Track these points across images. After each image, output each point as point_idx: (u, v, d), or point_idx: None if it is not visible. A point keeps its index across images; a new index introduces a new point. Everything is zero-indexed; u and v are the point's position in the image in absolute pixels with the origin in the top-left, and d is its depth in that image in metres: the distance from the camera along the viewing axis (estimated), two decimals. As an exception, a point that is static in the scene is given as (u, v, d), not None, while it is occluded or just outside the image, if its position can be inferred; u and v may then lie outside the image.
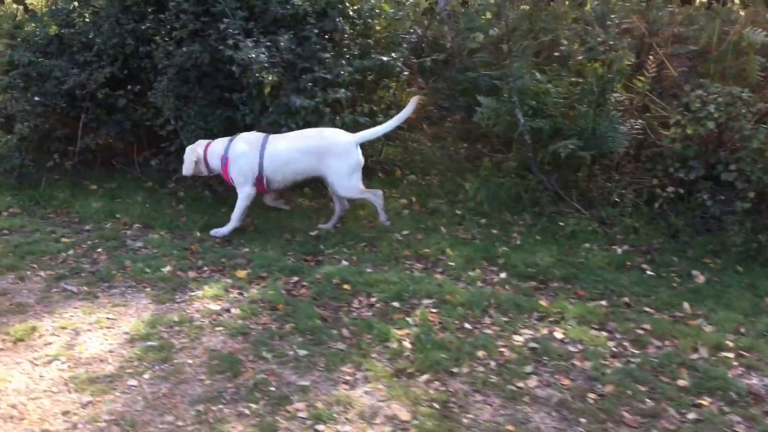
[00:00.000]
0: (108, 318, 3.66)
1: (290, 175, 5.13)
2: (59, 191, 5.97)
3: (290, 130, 5.51)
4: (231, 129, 5.82)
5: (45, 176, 6.02)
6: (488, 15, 7.54)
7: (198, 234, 5.21)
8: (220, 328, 3.61)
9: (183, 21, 5.68)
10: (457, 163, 6.84)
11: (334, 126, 5.38)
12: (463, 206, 5.76)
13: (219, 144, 5.20)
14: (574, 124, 5.63)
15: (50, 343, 3.38)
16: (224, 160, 5.12)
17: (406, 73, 6.61)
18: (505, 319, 3.84)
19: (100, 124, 6.06)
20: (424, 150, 7.10)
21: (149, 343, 3.39)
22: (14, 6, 9.13)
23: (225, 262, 4.60)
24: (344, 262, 4.65)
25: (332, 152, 4.98)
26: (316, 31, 5.67)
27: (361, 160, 5.09)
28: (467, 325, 3.75)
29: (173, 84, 5.69)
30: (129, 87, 6.02)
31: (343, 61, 5.83)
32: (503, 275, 4.50)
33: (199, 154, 5.20)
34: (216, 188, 5.79)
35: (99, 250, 4.76)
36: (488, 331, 3.69)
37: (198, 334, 3.54)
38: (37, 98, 5.88)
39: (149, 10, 6.06)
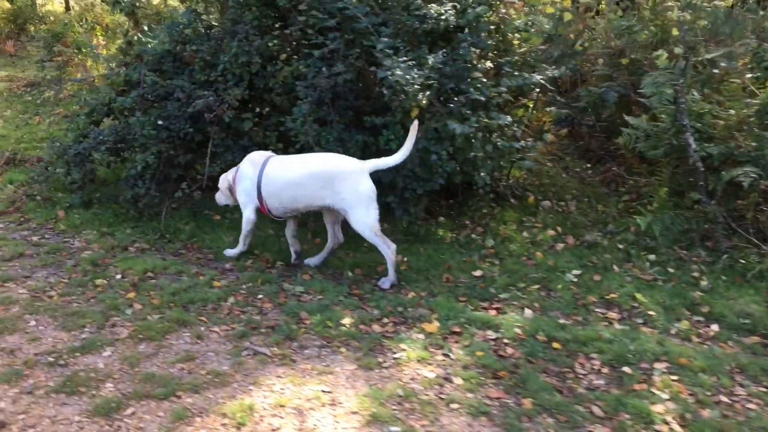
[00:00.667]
0: (323, 392, 3.22)
1: (289, 201, 4.63)
2: (182, 222, 5.56)
3: (439, 157, 5.10)
4: (370, 156, 5.41)
5: (166, 206, 5.59)
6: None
7: (351, 274, 4.80)
8: (455, 405, 3.17)
9: (320, 39, 5.24)
10: (591, 187, 6.38)
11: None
12: (621, 238, 5.31)
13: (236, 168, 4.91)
14: (749, 149, 5.17)
15: (278, 429, 2.94)
16: (233, 177, 4.82)
17: (537, 91, 6.16)
18: (762, 389, 3.39)
19: (226, 150, 5.62)
20: (550, 172, 6.65)
21: (393, 429, 2.95)
22: (125, 20, 8.71)
23: (403, 311, 4.18)
24: (528, 311, 4.23)
25: (343, 179, 4.48)
26: (467, 46, 5.21)
27: (374, 191, 4.55)
28: (723, 398, 3.31)
29: (312, 107, 5.25)
30: (257, 109, 5.60)
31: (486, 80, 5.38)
32: (716, 328, 4.06)
33: (230, 181, 4.86)
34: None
35: (260, 296, 4.34)
36: (752, 406, 3.25)
37: (434, 413, 3.10)
38: (160, 122, 5.44)
39: (276, 26, 5.63)
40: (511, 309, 4.28)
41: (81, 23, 10.79)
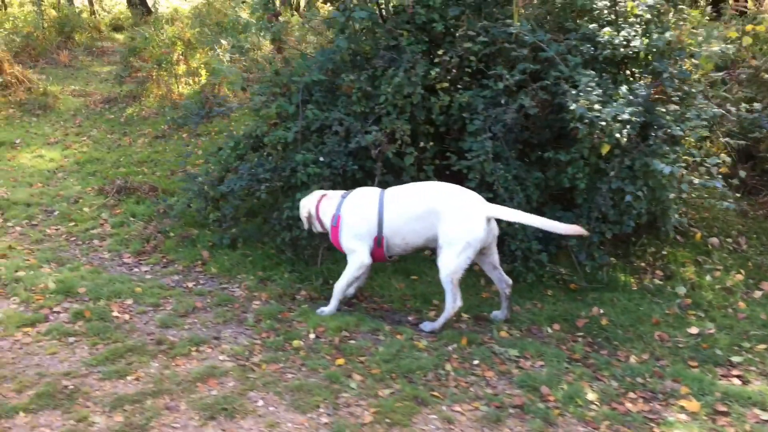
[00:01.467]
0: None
1: (411, 237, 4.29)
2: (342, 265, 5.13)
3: (634, 198, 4.69)
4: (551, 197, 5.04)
5: (322, 248, 5.18)
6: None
7: (549, 330, 4.40)
8: None
9: (479, 67, 4.87)
10: (755, 221, 5.96)
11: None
12: (825, 287, 4.87)
13: (331, 200, 4.46)
14: None
15: None
16: (335, 219, 4.34)
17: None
18: None
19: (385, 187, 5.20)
20: (703, 203, 6.20)
21: None
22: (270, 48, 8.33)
23: (645, 383, 3.75)
24: (778, 382, 3.79)
25: (456, 213, 4.12)
26: (669, 77, 4.79)
27: (484, 239, 4.14)
28: None
29: (488, 143, 4.85)
30: (421, 143, 5.20)
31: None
32: None
33: (311, 210, 4.48)
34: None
35: (475, 362, 3.92)
36: None
37: None
38: (321, 158, 5.05)
39: (431, 53, 5.24)
40: (753, 376, 3.85)
41: (159, 34, 10.39)
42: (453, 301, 4.19)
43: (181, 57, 10.38)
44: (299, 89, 5.31)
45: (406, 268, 5.14)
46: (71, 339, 3.88)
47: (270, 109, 5.29)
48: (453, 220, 4.10)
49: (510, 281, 4.46)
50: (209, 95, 9.43)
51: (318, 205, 4.51)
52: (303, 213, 4.56)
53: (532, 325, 4.49)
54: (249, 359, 3.79)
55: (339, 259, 5.20)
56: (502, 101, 4.95)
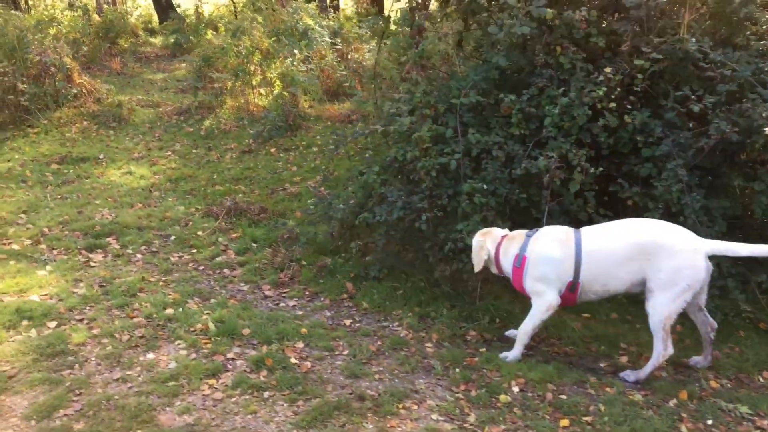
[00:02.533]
0: None
1: (614, 283, 3.86)
2: (504, 300, 4.78)
3: None
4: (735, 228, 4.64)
5: (480, 280, 4.81)
6: None
7: (761, 379, 4.00)
8: None
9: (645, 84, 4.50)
10: None
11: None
12: None
13: (514, 240, 4.08)
14: None
15: None
16: (519, 260, 3.94)
17: None
18: None
19: (549, 216, 4.82)
20: None
21: None
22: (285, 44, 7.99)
23: None
24: None
25: (672, 255, 3.68)
26: None
27: (704, 280, 3.75)
28: None
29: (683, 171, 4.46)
30: (591, 169, 4.81)
31: None
32: None
33: (490, 251, 4.08)
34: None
35: (709, 422, 3.53)
36: None
37: None
38: (485, 186, 4.67)
39: (605, 71, 4.84)
40: None
41: (235, 44, 10.06)
42: (663, 349, 3.81)
43: (257, 67, 10.03)
44: (456, 112, 4.93)
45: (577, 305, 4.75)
46: (265, 394, 3.53)
47: (422, 132, 4.91)
48: (670, 261, 3.71)
49: (715, 324, 4.08)
50: (290, 107, 9.13)
51: (499, 247, 4.14)
52: (481, 254, 4.17)
53: (740, 372, 4.10)
54: (464, 419, 3.43)
55: (501, 294, 4.86)
56: (690, 125, 4.56)
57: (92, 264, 5.39)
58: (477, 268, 4.23)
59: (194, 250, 5.79)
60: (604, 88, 4.73)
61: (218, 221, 6.44)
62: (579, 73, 4.76)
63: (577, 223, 4.90)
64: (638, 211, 4.86)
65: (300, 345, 4.12)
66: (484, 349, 4.26)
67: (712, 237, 4.27)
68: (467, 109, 5.07)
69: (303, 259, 5.52)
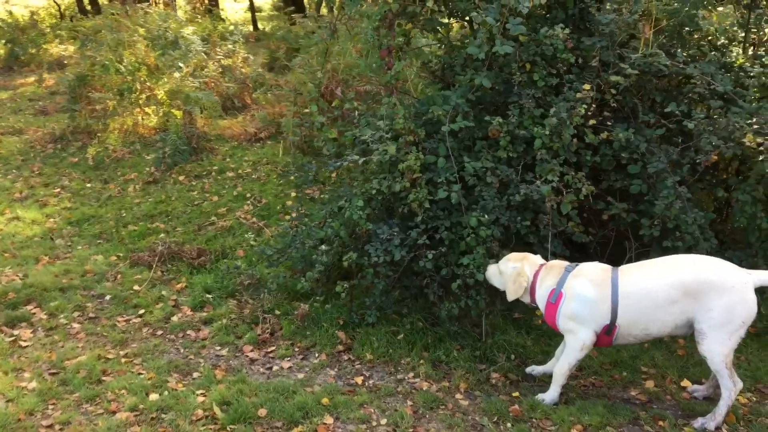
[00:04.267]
0: None
1: (656, 327, 3.64)
2: (514, 334, 4.57)
3: None
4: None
5: (485, 315, 4.56)
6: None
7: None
8: None
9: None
10: None
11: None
12: None
13: (553, 271, 3.88)
14: None
15: None
16: (555, 296, 3.78)
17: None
18: None
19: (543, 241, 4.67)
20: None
21: None
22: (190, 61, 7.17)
23: None
24: None
25: (720, 293, 3.48)
26: None
27: (755, 313, 3.56)
28: None
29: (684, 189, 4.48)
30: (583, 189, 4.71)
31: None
32: None
33: (530, 277, 3.92)
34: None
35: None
36: None
37: None
38: (485, 216, 4.41)
39: (584, 88, 4.77)
40: None
41: (116, 59, 8.98)
42: (733, 384, 3.59)
43: (144, 85, 9.02)
44: (446, 138, 4.61)
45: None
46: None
47: (410, 161, 4.52)
48: (721, 300, 3.49)
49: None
50: (189, 128, 8.34)
51: (536, 275, 3.89)
52: (520, 281, 3.88)
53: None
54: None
55: (505, 327, 4.64)
56: (680, 140, 4.59)
57: (23, 344, 4.44)
58: (513, 296, 3.94)
59: (141, 311, 4.98)
60: (585, 106, 4.63)
61: (152, 270, 5.62)
62: (568, 92, 4.62)
63: (572, 246, 4.81)
64: (620, 227, 4.87)
65: (330, 420, 3.60)
66: (516, 393, 3.99)
67: (706, 253, 4.31)
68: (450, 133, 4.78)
69: (276, 307, 4.94)
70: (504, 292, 4.11)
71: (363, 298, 4.73)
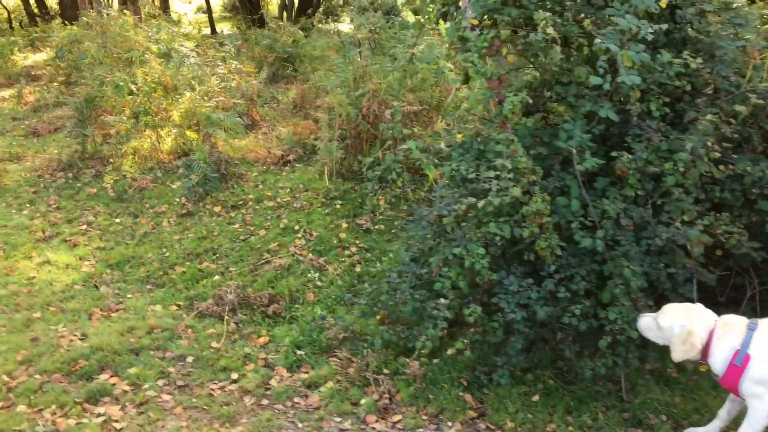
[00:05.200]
0: None
1: None
2: (651, 395, 4.22)
3: None
4: None
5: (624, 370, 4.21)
6: None
7: None
8: None
9: None
10: None
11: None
12: None
13: (731, 329, 3.53)
14: None
15: None
16: (741, 358, 3.43)
17: None
18: None
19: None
20: None
21: None
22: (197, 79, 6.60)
23: None
24: None
25: None
26: None
27: None
28: None
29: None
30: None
31: None
32: None
33: (703, 337, 3.56)
34: None
35: None
36: None
37: None
38: (628, 266, 4.07)
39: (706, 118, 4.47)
40: None
41: (129, 78, 8.33)
42: None
43: (161, 106, 8.39)
44: (578, 178, 4.24)
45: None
46: None
47: (537, 204, 4.14)
48: None
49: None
50: (216, 152, 7.80)
51: (712, 334, 3.55)
52: (692, 341, 3.53)
53: None
54: None
55: (649, 385, 4.28)
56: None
57: (116, 426, 3.87)
58: (682, 357, 3.56)
59: (233, 375, 4.45)
60: (712, 138, 4.35)
61: (225, 323, 5.09)
62: (707, 125, 4.30)
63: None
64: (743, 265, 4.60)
65: None
66: (686, 463, 3.65)
67: None
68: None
69: (383, 366, 4.49)
70: (655, 346, 3.78)
71: (481, 351, 4.33)
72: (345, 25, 23.53)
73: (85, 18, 14.81)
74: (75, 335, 4.85)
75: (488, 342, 4.29)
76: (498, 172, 4.28)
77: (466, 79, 5.28)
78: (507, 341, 4.14)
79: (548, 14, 4.44)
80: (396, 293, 4.57)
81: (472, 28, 4.79)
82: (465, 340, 4.26)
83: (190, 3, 32.86)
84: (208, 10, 23.55)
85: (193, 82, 9.04)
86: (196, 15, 29.12)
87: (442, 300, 4.29)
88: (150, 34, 11.90)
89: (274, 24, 15.95)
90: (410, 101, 7.68)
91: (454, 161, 4.78)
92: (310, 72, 12.83)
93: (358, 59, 8.14)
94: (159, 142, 8.37)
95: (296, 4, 21.65)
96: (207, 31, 20.06)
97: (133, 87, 8.23)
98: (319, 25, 19.76)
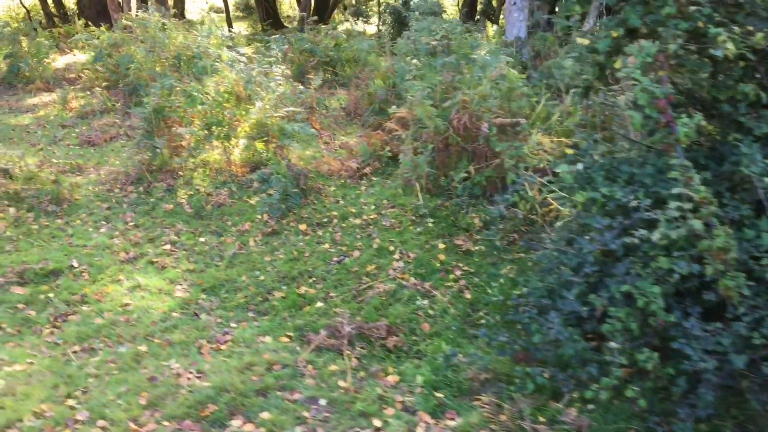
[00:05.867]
0: None
1: None
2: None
3: None
4: None
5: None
6: None
7: None
8: None
9: None
10: None
11: None
12: None
13: None
14: None
15: None
16: None
17: None
18: None
19: None
20: None
21: None
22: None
23: None
24: None
25: None
26: None
27: None
28: None
29: None
30: None
31: None
32: None
33: None
34: None
35: None
36: None
37: None
38: None
39: None
40: None
41: (204, 88, 7.97)
42: None
43: (234, 117, 8.03)
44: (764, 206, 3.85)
45: None
46: None
47: (721, 239, 3.74)
48: None
49: None
50: (294, 167, 7.45)
51: None
52: None
53: None
54: None
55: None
56: None
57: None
58: None
59: (375, 421, 4.08)
60: None
61: (347, 358, 4.72)
62: None
63: None
64: None
65: None
66: None
67: None
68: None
69: (537, 413, 4.10)
70: None
71: (652, 398, 3.93)
72: (372, 26, 23.19)
73: (124, 21, 14.51)
74: (191, 372, 4.49)
75: (665, 390, 3.89)
76: (678, 203, 3.88)
77: (586, 92, 4.92)
78: (692, 391, 3.74)
79: (721, 29, 4.06)
80: (549, 332, 4.18)
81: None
82: (635, 387, 3.87)
83: (195, 1, 32.43)
84: (226, 11, 23.22)
85: (261, 91, 8.67)
86: (209, 15, 28.86)
87: (612, 344, 3.90)
88: (199, 38, 11.59)
89: (309, 26, 15.53)
90: (500, 112, 7.30)
91: (601, 186, 4.39)
92: (352, 76, 12.51)
93: (439, 68, 7.77)
94: (230, 155, 8.00)
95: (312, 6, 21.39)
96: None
97: (204, 96, 7.86)
98: (347, 26, 19.37)
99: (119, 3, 17.72)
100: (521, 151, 5.79)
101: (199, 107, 7.83)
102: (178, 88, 7.99)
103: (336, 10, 25.46)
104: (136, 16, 14.16)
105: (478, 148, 7.18)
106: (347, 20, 22.42)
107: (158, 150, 7.76)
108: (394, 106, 8.76)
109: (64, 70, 15.70)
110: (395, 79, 10.10)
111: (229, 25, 21.75)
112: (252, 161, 8.19)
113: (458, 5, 30.90)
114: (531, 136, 6.97)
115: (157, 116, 7.96)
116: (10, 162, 7.67)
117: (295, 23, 26.12)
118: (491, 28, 17.28)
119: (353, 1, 30.82)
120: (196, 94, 7.68)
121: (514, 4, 13.27)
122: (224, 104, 7.88)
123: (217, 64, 8.50)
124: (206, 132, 7.83)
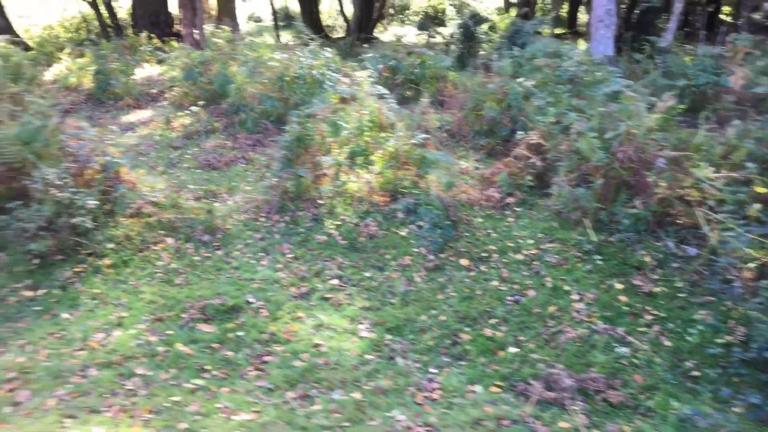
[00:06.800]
0: None
1: None
2: None
3: None
4: None
5: None
6: None
7: None
8: None
9: None
10: None
11: None
12: None
13: None
14: None
15: None
16: None
17: None
18: None
19: None
20: None
21: None
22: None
23: None
24: None
25: None
26: None
27: None
28: None
29: None
30: None
31: None
32: None
33: None
34: None
35: None
36: None
37: None
38: None
39: None
40: None
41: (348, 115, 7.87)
42: None
43: (371, 143, 7.92)
44: None
45: None
46: None
47: None
48: None
49: None
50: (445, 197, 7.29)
51: None
52: None
53: None
54: None
55: None
56: None
57: None
58: None
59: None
60: None
61: (572, 413, 4.53)
62: None
63: None
64: None
65: None
66: None
67: None
68: None
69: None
70: None
71: None
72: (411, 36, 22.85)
73: (215, 39, 14.61)
74: (420, 426, 4.34)
75: None
76: None
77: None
78: None
79: None
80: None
81: None
82: None
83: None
84: (275, 21, 23.21)
85: (394, 117, 8.56)
86: (248, 24, 28.94)
87: None
88: (303, 58, 11.58)
89: (376, 39, 15.38)
90: (664, 144, 7.08)
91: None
92: (435, 94, 12.42)
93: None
94: (371, 184, 7.89)
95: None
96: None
97: (347, 125, 7.78)
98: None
99: (193, 19, 17.85)
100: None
101: (341, 136, 7.73)
102: (319, 116, 7.90)
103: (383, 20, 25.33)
104: (217, 30, 14.20)
105: (641, 182, 6.97)
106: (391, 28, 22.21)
107: (302, 178, 7.67)
108: (520, 132, 8.61)
109: (142, 85, 15.77)
110: (509, 101, 9.93)
111: (277, 37, 21.78)
112: (390, 190, 8.07)
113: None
114: (699, 170, 6.72)
115: (299, 144, 7.87)
116: (155, 190, 7.66)
117: (336, 34, 26.09)
118: (582, 45, 16.98)
119: (391, 11, 30.70)
120: (341, 123, 7.57)
121: (601, 21, 13.02)
122: (365, 132, 7.76)
123: (327, 86, 8.39)
124: (350, 160, 7.72)
